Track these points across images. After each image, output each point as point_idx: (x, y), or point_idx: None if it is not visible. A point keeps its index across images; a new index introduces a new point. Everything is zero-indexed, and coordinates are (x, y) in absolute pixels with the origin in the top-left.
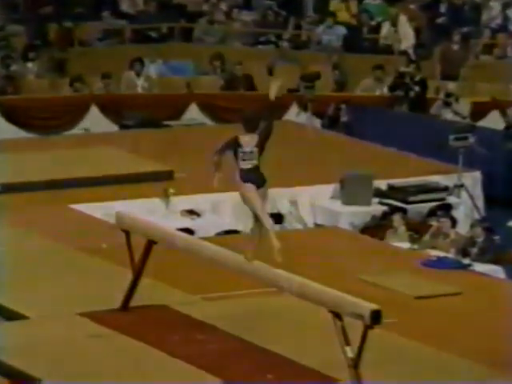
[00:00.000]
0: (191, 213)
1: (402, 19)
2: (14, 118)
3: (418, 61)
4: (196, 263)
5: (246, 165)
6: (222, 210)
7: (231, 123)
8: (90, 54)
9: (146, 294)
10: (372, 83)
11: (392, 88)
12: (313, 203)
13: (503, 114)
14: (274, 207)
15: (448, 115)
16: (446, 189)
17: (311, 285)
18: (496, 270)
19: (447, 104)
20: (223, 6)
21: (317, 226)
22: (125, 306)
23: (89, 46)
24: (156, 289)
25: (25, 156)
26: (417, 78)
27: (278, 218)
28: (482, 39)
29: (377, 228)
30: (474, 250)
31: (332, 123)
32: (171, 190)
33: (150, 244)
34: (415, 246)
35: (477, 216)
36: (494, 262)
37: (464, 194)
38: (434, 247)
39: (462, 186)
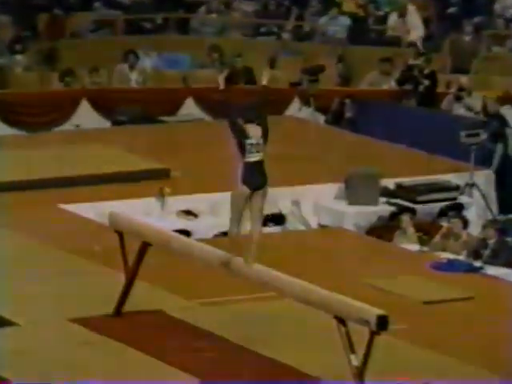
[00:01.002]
0: (188, 213)
1: (411, 9)
2: (0, 114)
3: (427, 53)
4: (193, 266)
5: (254, 157)
6: (220, 210)
7: None
8: (81, 46)
9: (141, 298)
10: (378, 77)
11: (400, 82)
12: (316, 203)
13: None
14: (275, 207)
15: (459, 110)
16: (457, 188)
17: (314, 289)
18: (509, 274)
19: (458, 98)
20: None
21: (320, 227)
22: (118, 311)
23: (80, 38)
24: (151, 293)
25: (13, 154)
26: (426, 71)
27: (279, 218)
28: (495, 30)
29: (384, 229)
30: (486, 252)
31: (336, 119)
32: (167, 190)
33: (145, 246)
34: (424, 248)
35: (489, 216)
36: (507, 264)
37: (476, 193)
38: (444, 249)
39: (473, 184)
